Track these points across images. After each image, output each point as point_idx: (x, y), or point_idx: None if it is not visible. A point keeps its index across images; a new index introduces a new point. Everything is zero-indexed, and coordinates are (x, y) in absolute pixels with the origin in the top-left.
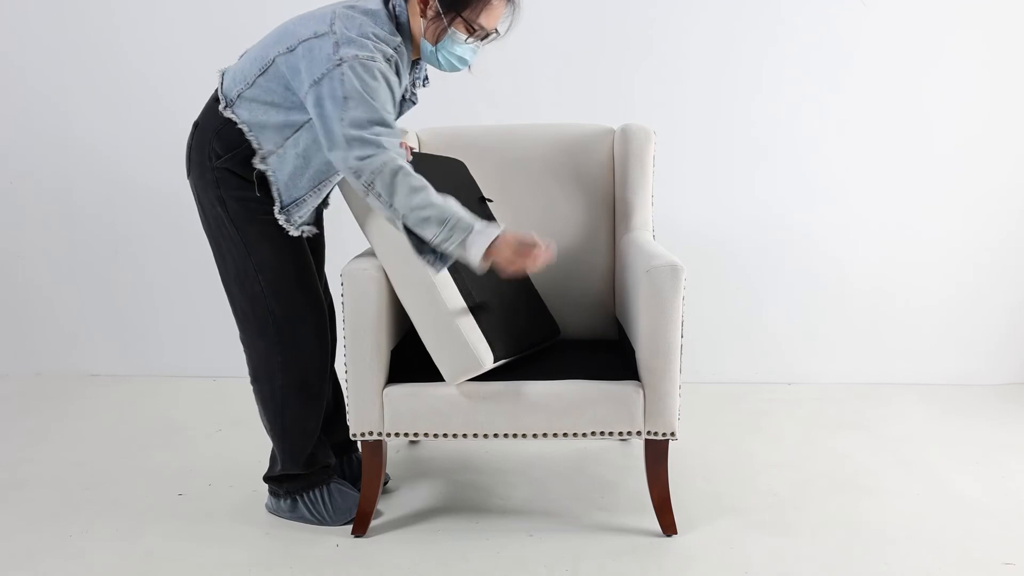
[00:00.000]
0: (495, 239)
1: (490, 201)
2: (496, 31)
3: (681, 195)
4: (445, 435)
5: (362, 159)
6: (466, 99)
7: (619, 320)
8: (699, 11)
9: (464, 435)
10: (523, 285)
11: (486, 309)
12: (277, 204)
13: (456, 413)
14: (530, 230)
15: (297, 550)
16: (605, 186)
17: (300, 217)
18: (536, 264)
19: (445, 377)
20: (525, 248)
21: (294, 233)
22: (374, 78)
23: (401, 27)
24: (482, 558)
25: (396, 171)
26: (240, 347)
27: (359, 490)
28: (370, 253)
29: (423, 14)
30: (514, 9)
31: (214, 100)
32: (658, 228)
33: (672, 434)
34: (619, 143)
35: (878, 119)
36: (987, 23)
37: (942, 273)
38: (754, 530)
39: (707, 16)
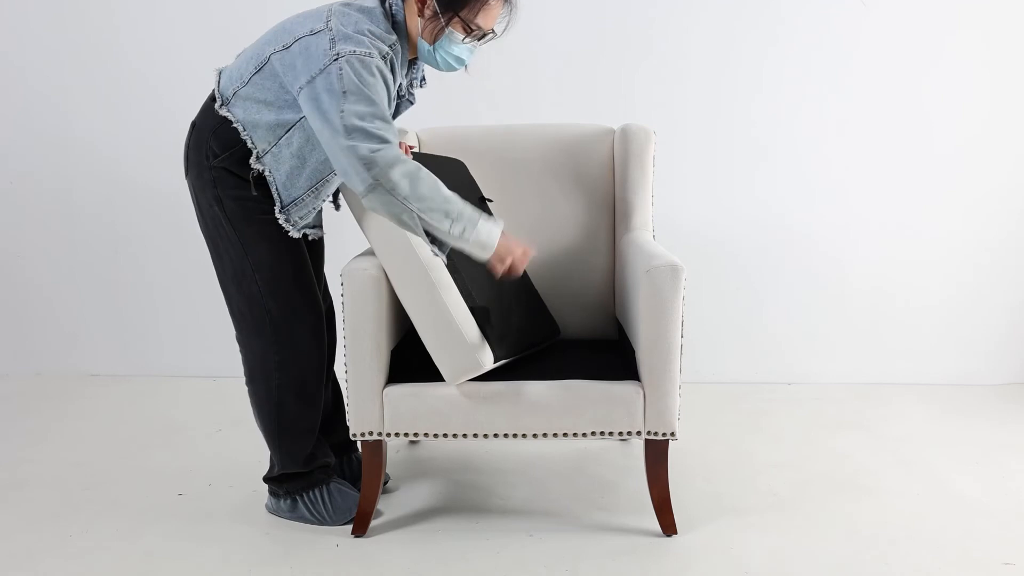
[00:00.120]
0: (502, 234)
1: (490, 201)
2: (493, 31)
3: (681, 195)
4: (445, 435)
5: (374, 151)
6: (466, 99)
7: (619, 320)
8: (699, 11)
9: (464, 435)
10: (523, 285)
11: (486, 315)
12: (277, 204)
13: (456, 413)
14: (530, 230)
15: (297, 550)
16: (605, 186)
17: (301, 218)
18: (521, 267)
19: (445, 377)
20: (520, 248)
21: (295, 235)
22: (371, 74)
23: (398, 26)
24: (482, 558)
25: (410, 163)
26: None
27: (359, 490)
28: (370, 253)
29: (421, 13)
30: (511, 10)
31: (211, 99)
32: (658, 228)
33: (672, 434)
34: (619, 143)
35: (878, 119)
36: (987, 23)
37: (942, 273)
38: (754, 530)
39: (707, 16)
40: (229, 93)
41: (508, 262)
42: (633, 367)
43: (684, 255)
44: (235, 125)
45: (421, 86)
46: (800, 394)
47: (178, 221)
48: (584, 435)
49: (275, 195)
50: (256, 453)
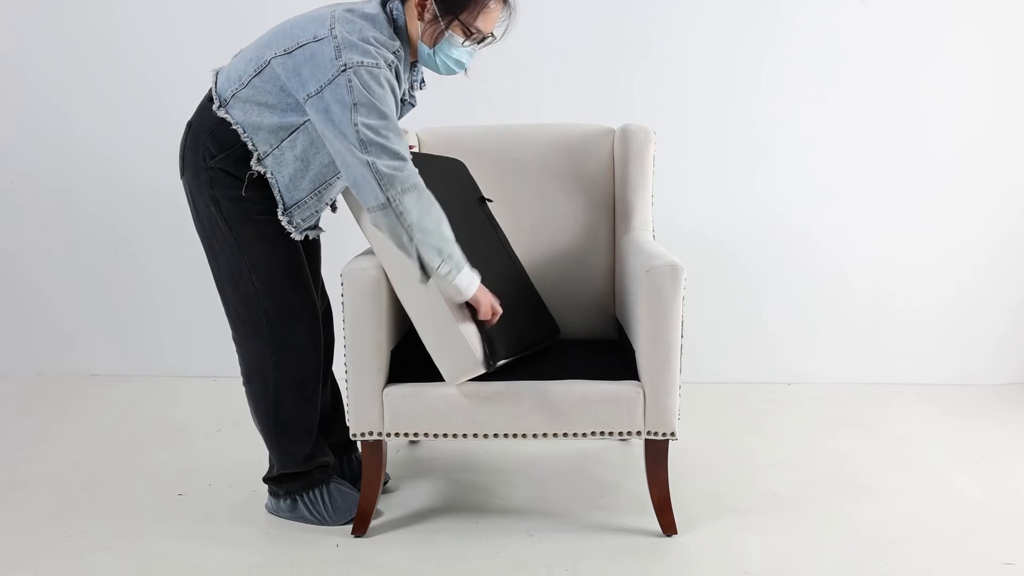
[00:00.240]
0: (479, 287)
1: (490, 201)
2: (492, 35)
3: (681, 195)
4: (445, 435)
5: (394, 168)
6: (466, 99)
7: (619, 320)
8: (699, 11)
9: (464, 435)
10: (523, 285)
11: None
12: (280, 207)
13: (456, 413)
14: (530, 230)
15: (297, 550)
16: (605, 186)
17: (303, 220)
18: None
19: (445, 377)
20: (488, 303)
21: (297, 236)
22: (380, 86)
23: (399, 30)
24: (482, 558)
25: (425, 193)
26: None
27: (359, 490)
28: (370, 253)
29: (420, 17)
30: (510, 13)
31: (208, 100)
32: (658, 228)
33: (672, 434)
34: (619, 143)
35: (878, 119)
36: (987, 23)
37: (942, 273)
38: (754, 530)
39: (707, 16)
40: (227, 95)
41: (485, 309)
42: (633, 367)
43: (684, 255)
44: (234, 127)
45: (421, 88)
46: (800, 394)
47: (178, 221)
48: (584, 435)
49: (277, 197)
50: (256, 453)
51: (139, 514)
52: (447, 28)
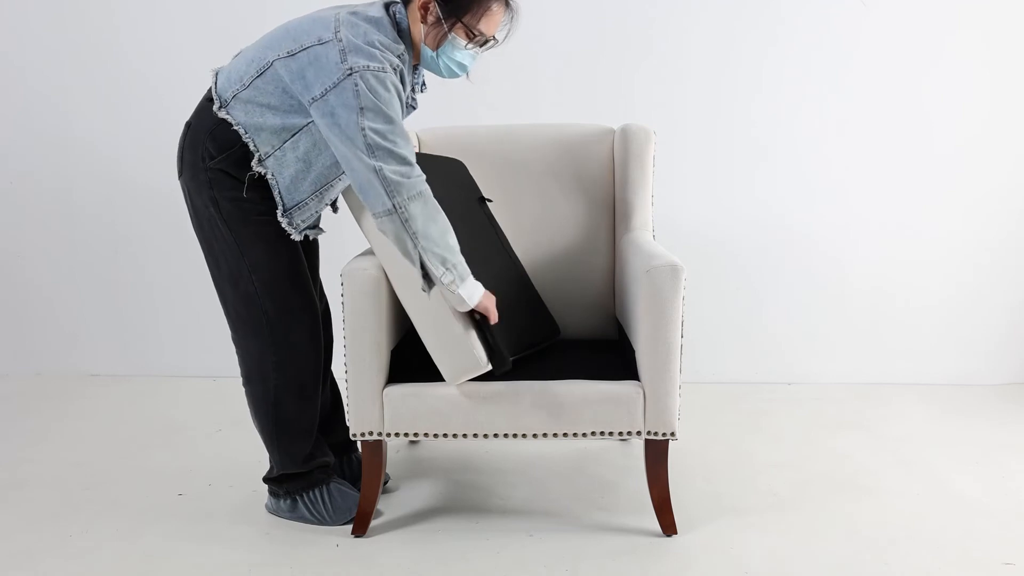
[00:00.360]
0: (483, 294)
1: (490, 201)
2: (494, 38)
3: (681, 195)
4: (445, 435)
5: (401, 174)
6: (466, 99)
7: (619, 320)
8: (699, 11)
9: (464, 435)
10: (523, 285)
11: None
12: (280, 208)
13: (456, 413)
14: (530, 230)
15: (297, 550)
16: (605, 186)
17: (303, 221)
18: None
19: (445, 377)
20: (491, 305)
21: (297, 237)
22: (387, 90)
23: (402, 33)
24: (482, 558)
25: (431, 201)
26: None
27: (359, 490)
28: (370, 253)
29: (423, 20)
30: (512, 16)
31: (207, 100)
32: (658, 228)
33: (672, 434)
34: (619, 143)
35: (878, 119)
36: (987, 23)
37: (942, 273)
38: (754, 530)
39: (707, 16)
40: (228, 95)
41: (492, 313)
42: (633, 367)
43: (684, 255)
44: (236, 128)
45: (421, 91)
46: (800, 394)
47: (178, 221)
48: (584, 435)
49: (277, 198)
50: (256, 453)
51: (139, 514)
52: (450, 31)
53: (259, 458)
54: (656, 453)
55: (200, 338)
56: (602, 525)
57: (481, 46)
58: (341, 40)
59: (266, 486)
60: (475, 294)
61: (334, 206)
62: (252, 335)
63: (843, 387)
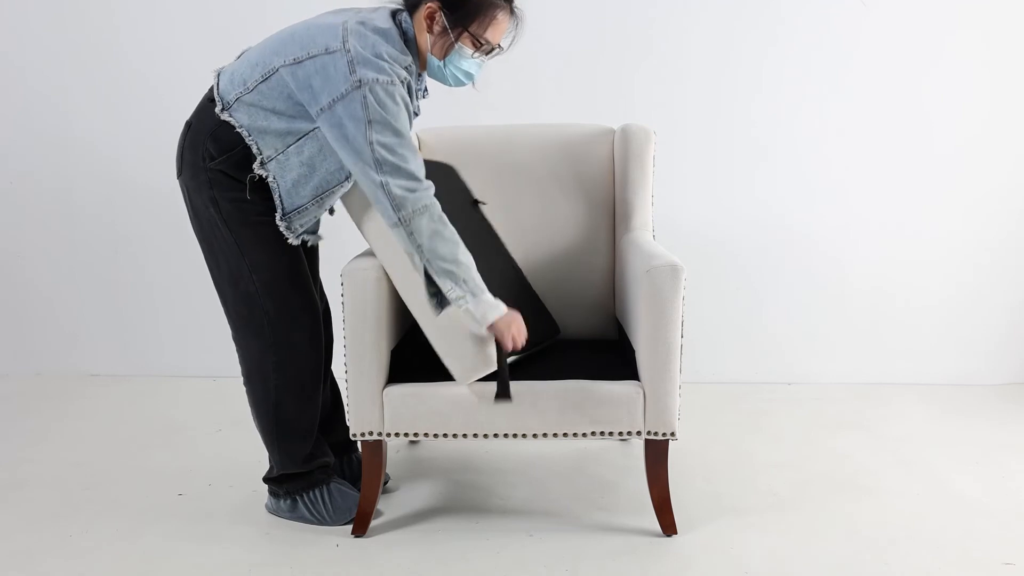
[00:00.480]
0: (503, 314)
1: (483, 204)
2: (500, 46)
3: (681, 195)
4: (445, 435)
5: (408, 191)
6: (466, 100)
7: (619, 320)
8: (699, 11)
9: (464, 435)
10: (523, 285)
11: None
12: (279, 211)
13: (456, 413)
14: (530, 230)
15: (297, 550)
16: (605, 186)
17: (301, 226)
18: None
19: (456, 378)
20: (517, 327)
21: (294, 241)
22: (395, 103)
23: (408, 43)
24: (482, 558)
25: (438, 216)
26: None
27: (359, 490)
28: (370, 253)
29: (430, 30)
30: (517, 24)
31: (208, 100)
32: (658, 228)
33: (672, 434)
34: (619, 143)
35: (878, 119)
36: (987, 23)
37: (942, 273)
38: (754, 530)
39: (707, 16)
40: (231, 98)
41: (505, 338)
42: (633, 367)
43: (684, 255)
44: (238, 130)
45: (423, 97)
46: (800, 394)
47: (178, 221)
48: (584, 435)
49: (277, 202)
50: (256, 453)
51: (139, 514)
52: (456, 40)
53: (259, 458)
54: (656, 453)
55: (200, 338)
56: (602, 525)
57: (487, 55)
58: (349, 51)
59: (266, 486)
60: (490, 313)
61: (331, 209)
62: (252, 335)
63: (843, 387)
